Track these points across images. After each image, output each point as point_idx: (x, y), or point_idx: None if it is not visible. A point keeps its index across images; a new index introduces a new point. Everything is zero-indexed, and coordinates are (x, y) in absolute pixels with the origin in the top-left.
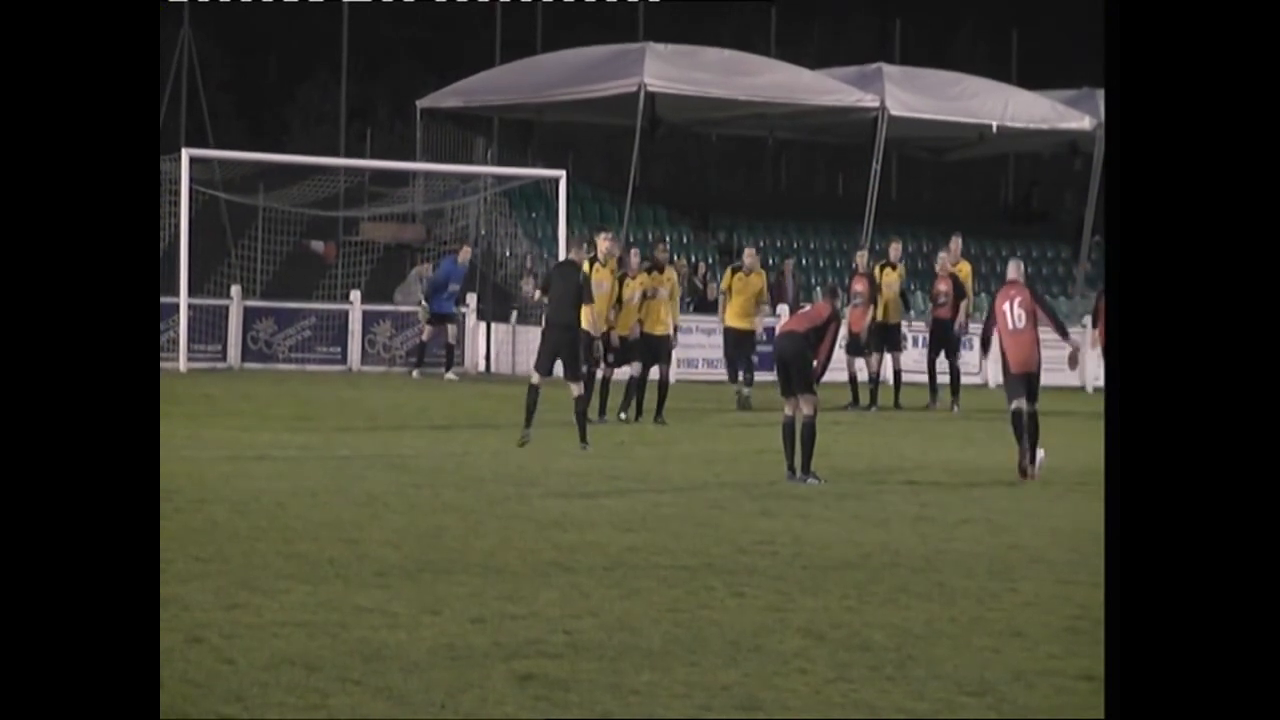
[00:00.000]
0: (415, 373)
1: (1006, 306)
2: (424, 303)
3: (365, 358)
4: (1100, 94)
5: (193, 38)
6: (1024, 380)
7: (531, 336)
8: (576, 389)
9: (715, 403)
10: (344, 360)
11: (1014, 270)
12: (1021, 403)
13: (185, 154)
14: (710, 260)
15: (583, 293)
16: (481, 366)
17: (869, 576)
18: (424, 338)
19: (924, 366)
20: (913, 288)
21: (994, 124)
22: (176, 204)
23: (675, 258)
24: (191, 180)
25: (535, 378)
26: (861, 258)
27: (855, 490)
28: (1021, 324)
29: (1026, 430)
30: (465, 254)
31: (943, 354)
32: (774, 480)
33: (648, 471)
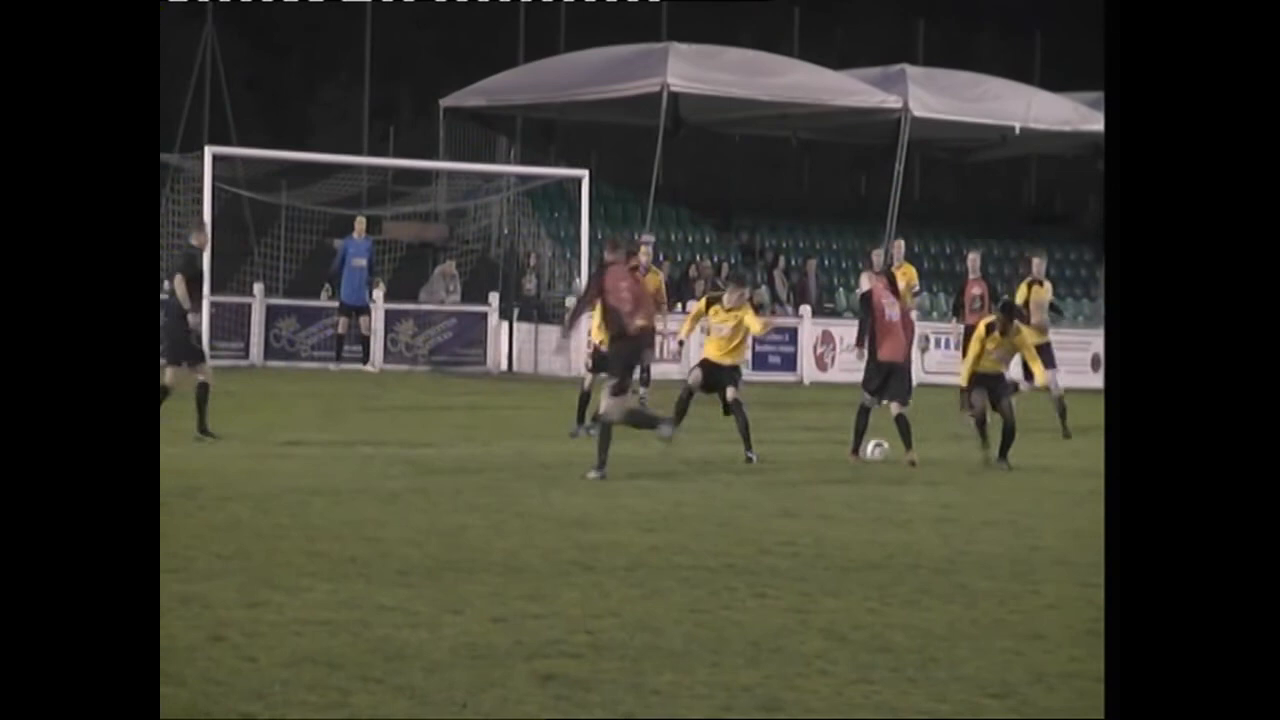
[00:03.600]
0: (334, 366)
1: (884, 300)
2: (332, 290)
3: (388, 356)
4: None
5: (216, 36)
6: (887, 369)
7: (555, 335)
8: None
9: None
10: (365, 359)
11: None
12: (867, 398)
13: (208, 151)
14: (733, 260)
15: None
16: (504, 366)
17: (891, 578)
18: (339, 330)
19: (947, 368)
20: (933, 289)
21: (1017, 126)
22: (199, 202)
23: (698, 258)
24: (214, 178)
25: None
26: (974, 261)
27: (877, 491)
28: (896, 316)
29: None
30: (360, 226)
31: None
32: (795, 480)
33: (670, 471)
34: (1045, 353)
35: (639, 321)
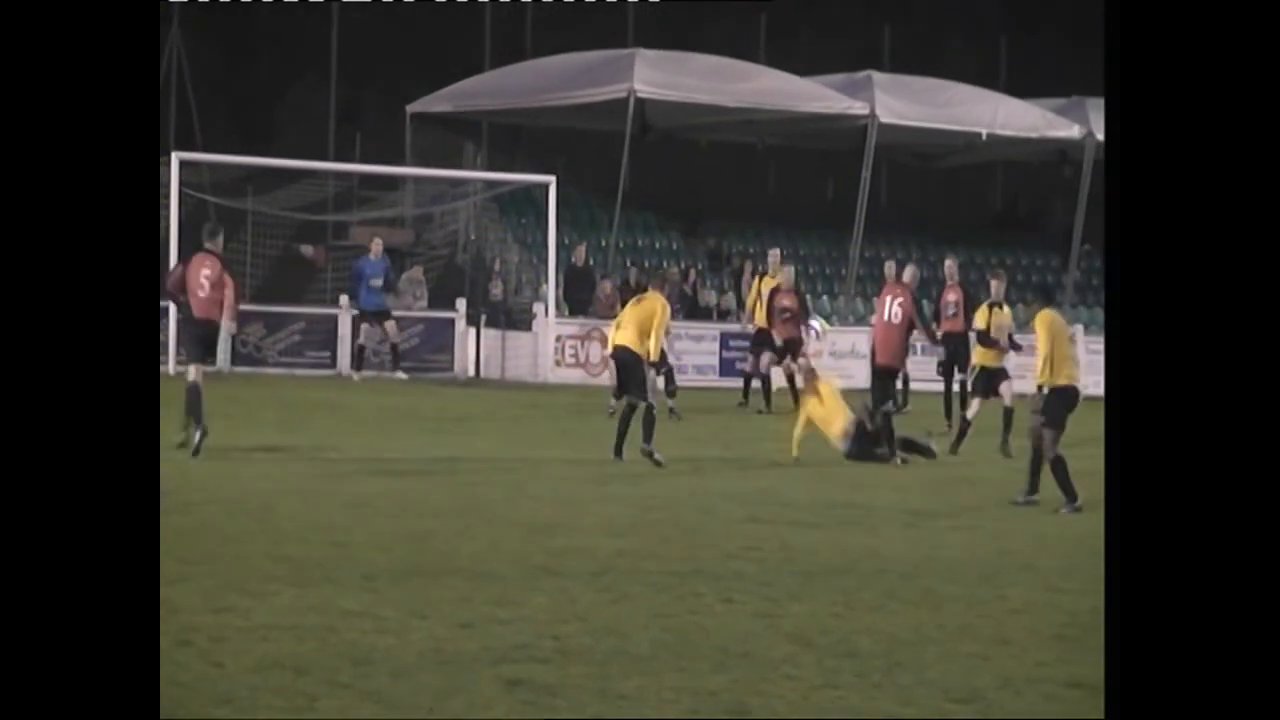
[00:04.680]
0: (357, 376)
1: (889, 299)
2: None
3: (353, 361)
4: (1089, 102)
5: (182, 40)
6: (889, 375)
7: (522, 341)
8: None
9: (706, 408)
10: (333, 364)
11: (908, 274)
12: (886, 405)
13: (174, 157)
14: (700, 266)
15: None
16: (471, 371)
17: (857, 583)
18: (362, 340)
19: (914, 373)
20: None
21: (983, 132)
22: (165, 207)
23: (665, 264)
24: (180, 183)
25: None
26: (950, 268)
27: (844, 496)
28: (897, 320)
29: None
30: (376, 248)
31: (956, 369)
32: (761, 486)
33: (638, 475)
34: (1001, 376)
35: (207, 310)
